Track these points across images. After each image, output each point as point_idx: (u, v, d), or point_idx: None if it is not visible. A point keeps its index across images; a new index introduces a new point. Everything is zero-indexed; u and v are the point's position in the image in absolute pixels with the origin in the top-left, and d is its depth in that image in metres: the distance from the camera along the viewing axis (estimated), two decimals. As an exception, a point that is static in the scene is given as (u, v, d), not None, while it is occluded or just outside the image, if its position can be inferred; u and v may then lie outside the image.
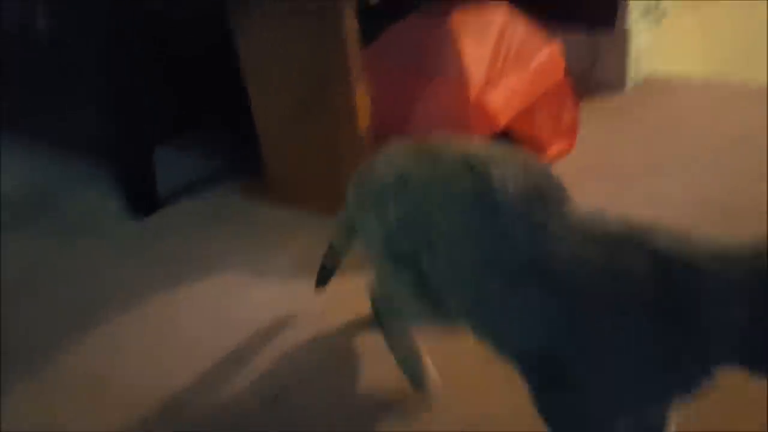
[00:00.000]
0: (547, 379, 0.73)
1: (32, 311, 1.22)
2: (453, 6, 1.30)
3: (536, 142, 1.39)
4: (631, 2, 1.59)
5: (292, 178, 1.41)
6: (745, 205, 1.21)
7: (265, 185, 1.45)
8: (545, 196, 0.74)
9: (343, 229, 0.98)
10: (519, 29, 1.30)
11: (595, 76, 1.69)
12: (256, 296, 1.19)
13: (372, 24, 1.36)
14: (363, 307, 1.02)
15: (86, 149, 1.56)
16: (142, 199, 1.47)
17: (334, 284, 1.06)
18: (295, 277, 1.21)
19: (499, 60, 1.26)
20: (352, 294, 1.09)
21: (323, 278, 1.05)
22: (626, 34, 1.61)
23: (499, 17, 1.28)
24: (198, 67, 1.44)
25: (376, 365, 1.01)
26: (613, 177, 1.34)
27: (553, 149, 1.42)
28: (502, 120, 1.21)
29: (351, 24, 1.14)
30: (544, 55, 1.31)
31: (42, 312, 1.22)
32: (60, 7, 1.27)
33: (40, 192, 1.61)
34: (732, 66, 1.70)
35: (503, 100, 1.22)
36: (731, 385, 0.68)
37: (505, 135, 1.32)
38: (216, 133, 1.67)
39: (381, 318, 0.95)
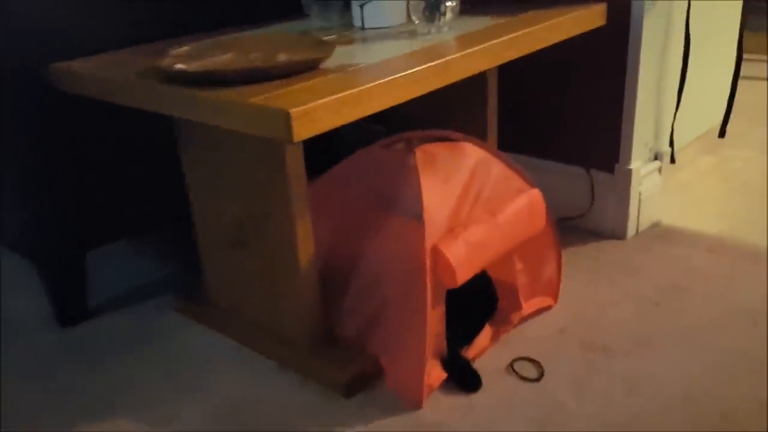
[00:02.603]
0: None
1: None
2: (423, 139, 1.16)
3: (511, 295, 1.22)
4: (636, 141, 1.44)
5: (231, 306, 1.25)
6: (737, 404, 1.00)
7: (204, 307, 1.30)
8: None
9: None
10: (495, 171, 1.15)
11: (591, 221, 1.52)
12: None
13: (334, 149, 1.23)
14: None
15: (16, 249, 1.42)
16: (68, 309, 1.32)
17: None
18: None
19: (467, 205, 1.10)
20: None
21: None
22: (629, 176, 1.45)
23: (472, 156, 1.14)
24: (144, 171, 1.31)
25: None
26: (594, 347, 1.15)
27: (530, 305, 1.24)
28: (462, 276, 1.04)
29: (294, 154, 1.00)
30: (522, 201, 1.15)
31: None
32: None
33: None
34: (749, 223, 1.52)
35: (466, 252, 1.05)
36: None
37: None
38: (164, 242, 1.54)
39: None
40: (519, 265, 1.21)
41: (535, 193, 1.18)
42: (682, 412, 1.01)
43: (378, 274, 1.11)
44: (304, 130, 0.80)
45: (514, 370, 1.11)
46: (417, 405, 1.05)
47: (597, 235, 1.51)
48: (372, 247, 1.12)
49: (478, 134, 1.41)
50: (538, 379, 1.08)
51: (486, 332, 1.18)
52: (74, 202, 1.24)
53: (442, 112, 1.43)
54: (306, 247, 1.07)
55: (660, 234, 1.50)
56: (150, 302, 1.37)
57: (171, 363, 1.20)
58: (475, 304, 1.22)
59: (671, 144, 1.56)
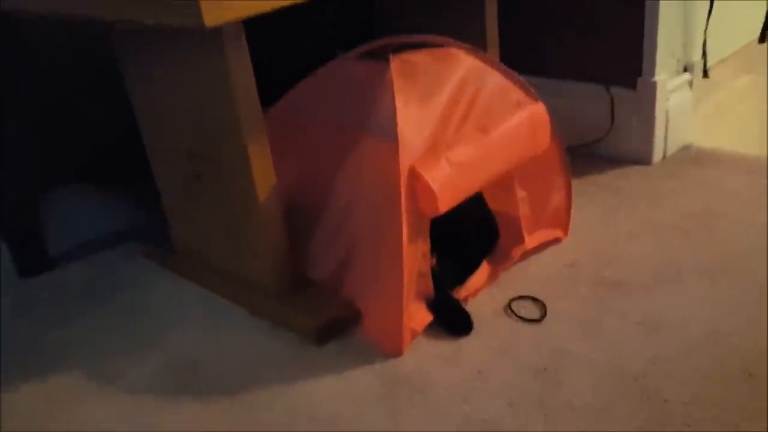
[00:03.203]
0: None
1: None
2: (406, 46, 1.00)
3: (513, 227, 1.07)
4: (660, 51, 1.25)
5: (197, 251, 1.13)
6: (757, 355, 0.84)
7: (171, 253, 1.18)
8: None
9: None
10: (490, 82, 0.98)
11: (611, 145, 1.34)
12: (93, 412, 0.89)
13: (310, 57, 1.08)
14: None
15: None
16: (27, 258, 1.21)
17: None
18: (150, 392, 0.91)
19: (454, 121, 0.94)
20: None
21: None
22: (653, 90, 1.26)
23: (462, 64, 0.97)
24: (96, 109, 1.18)
25: None
26: (607, 283, 0.99)
27: (534, 239, 1.08)
28: (445, 202, 0.89)
29: (240, 66, 0.85)
30: (521, 116, 0.98)
31: None
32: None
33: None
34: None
35: (450, 174, 0.89)
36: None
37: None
38: (134, 188, 1.41)
39: None
40: (521, 194, 1.05)
41: (538, 107, 1.01)
42: (705, 354, 0.85)
43: (349, 205, 0.96)
44: (214, 12, 0.65)
45: (512, 311, 0.96)
46: (397, 352, 0.91)
47: (618, 161, 1.33)
48: (342, 175, 0.97)
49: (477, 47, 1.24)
50: (539, 320, 0.93)
51: (483, 270, 1.03)
52: (20, 143, 1.12)
53: (435, 22, 1.26)
54: (265, 178, 0.93)
55: (691, 157, 1.32)
56: (116, 250, 1.25)
57: (135, 313, 1.08)
58: (472, 239, 1.07)
59: (704, 55, 1.36)
